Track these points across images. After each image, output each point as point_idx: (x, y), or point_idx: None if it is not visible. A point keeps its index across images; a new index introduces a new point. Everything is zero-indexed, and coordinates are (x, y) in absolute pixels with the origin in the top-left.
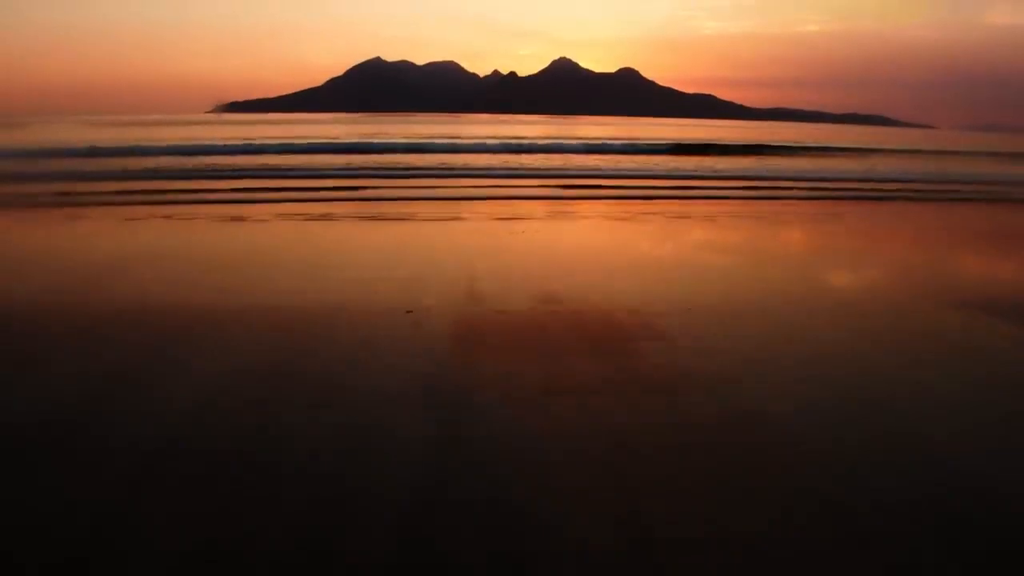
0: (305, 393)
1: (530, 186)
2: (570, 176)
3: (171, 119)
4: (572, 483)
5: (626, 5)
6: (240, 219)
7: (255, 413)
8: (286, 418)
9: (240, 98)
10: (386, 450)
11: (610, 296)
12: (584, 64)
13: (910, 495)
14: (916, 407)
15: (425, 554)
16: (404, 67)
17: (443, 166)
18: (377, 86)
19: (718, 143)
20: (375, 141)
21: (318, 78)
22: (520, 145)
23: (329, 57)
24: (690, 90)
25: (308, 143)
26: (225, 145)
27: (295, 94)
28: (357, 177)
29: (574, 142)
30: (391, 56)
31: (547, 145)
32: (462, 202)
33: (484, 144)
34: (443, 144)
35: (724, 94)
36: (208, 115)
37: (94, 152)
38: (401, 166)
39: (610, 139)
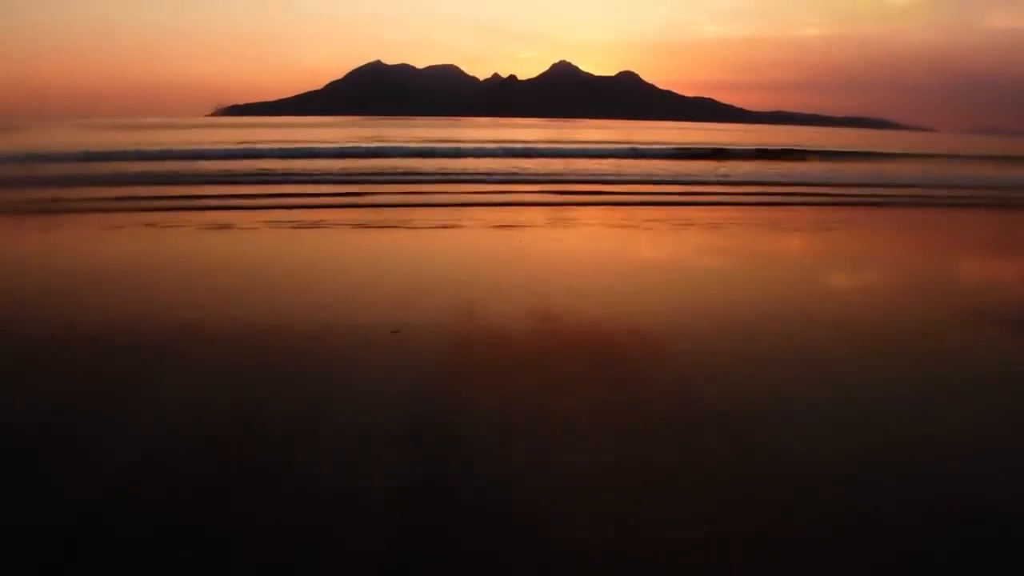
0: (268, 434)
1: (530, 192)
2: (571, 181)
3: (170, 122)
4: (573, 542)
5: (626, 8)
6: (227, 227)
7: (209, 463)
8: (243, 465)
9: (240, 101)
10: (359, 499)
11: (612, 314)
12: (584, 67)
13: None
14: (935, 432)
15: None
16: (404, 70)
17: (442, 171)
18: (377, 89)
19: (726, 147)
20: (373, 145)
21: (318, 81)
22: (520, 149)
23: (329, 60)
24: (690, 93)
25: (305, 147)
26: (221, 149)
27: (295, 97)
28: (353, 182)
29: (575, 146)
30: (391, 59)
31: (548, 150)
32: (460, 209)
33: (484, 148)
34: (442, 148)
35: (724, 97)
36: (208, 118)
37: (88, 156)
38: (399, 171)
39: (612, 141)
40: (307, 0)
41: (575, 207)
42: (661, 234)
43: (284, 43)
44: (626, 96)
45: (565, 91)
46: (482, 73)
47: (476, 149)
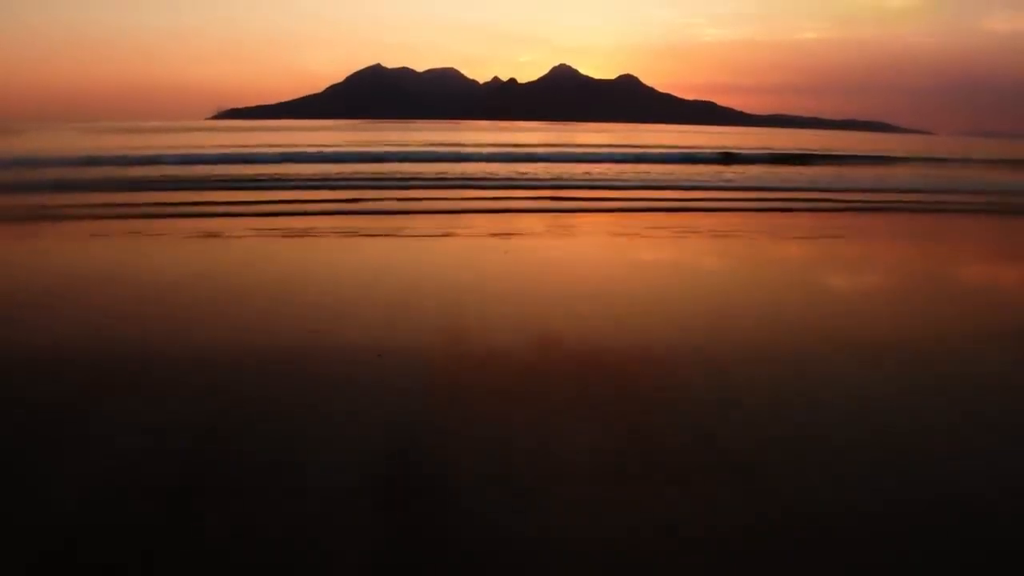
0: (231, 476)
1: (529, 197)
2: (571, 187)
3: (170, 126)
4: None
5: (626, 12)
6: (213, 235)
7: (164, 506)
8: (203, 511)
9: (240, 105)
10: (328, 561)
11: (614, 335)
12: (584, 70)
13: None
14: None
15: None
16: (404, 74)
17: (440, 175)
18: (377, 93)
19: (731, 151)
20: (372, 150)
21: (318, 85)
22: (520, 154)
23: (329, 64)
24: (690, 96)
25: (303, 152)
26: (216, 154)
27: (295, 101)
28: (348, 188)
29: (576, 150)
30: (391, 63)
31: (547, 154)
32: (456, 215)
33: (483, 152)
34: (441, 153)
35: (723, 100)
36: (207, 121)
37: (80, 161)
38: (396, 175)
39: (613, 145)
40: (308, 3)
41: (576, 213)
42: (663, 243)
43: (284, 47)
44: (626, 99)
45: (565, 94)
46: (482, 76)
47: (475, 153)
